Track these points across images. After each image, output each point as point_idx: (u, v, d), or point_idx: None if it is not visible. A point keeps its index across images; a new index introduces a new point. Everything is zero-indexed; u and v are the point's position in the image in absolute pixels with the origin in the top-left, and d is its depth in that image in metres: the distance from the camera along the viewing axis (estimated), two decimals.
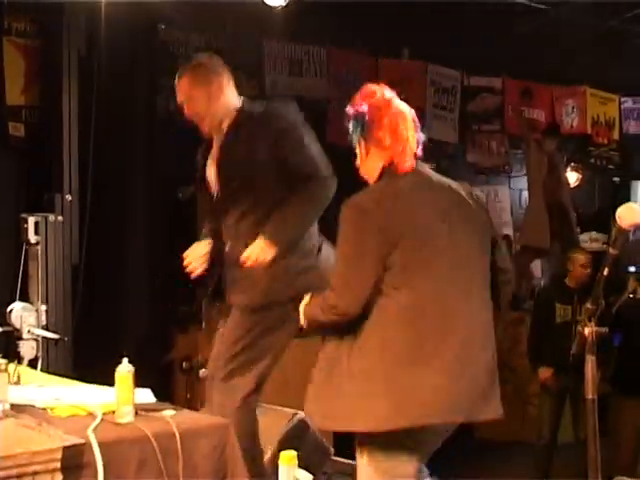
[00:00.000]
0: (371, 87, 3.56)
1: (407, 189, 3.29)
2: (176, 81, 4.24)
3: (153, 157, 7.31)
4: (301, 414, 4.67)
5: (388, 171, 3.35)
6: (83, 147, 6.83)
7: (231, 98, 4.23)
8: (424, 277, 3.12)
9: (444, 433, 3.28)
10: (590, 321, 2.83)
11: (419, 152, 3.41)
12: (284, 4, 6.76)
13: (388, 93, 3.49)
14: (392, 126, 3.35)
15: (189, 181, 7.01)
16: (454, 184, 3.45)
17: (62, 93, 6.74)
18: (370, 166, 3.44)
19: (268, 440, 4.38)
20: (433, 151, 10.17)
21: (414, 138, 3.37)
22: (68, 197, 6.71)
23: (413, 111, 3.44)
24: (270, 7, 6.88)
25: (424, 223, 3.20)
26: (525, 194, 11.21)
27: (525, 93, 10.41)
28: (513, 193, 11.20)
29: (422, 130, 3.49)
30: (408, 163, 3.34)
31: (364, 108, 3.45)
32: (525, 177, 10.38)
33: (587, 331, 2.82)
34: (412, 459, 3.20)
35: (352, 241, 3.21)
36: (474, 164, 10.54)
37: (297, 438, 4.60)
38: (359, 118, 3.46)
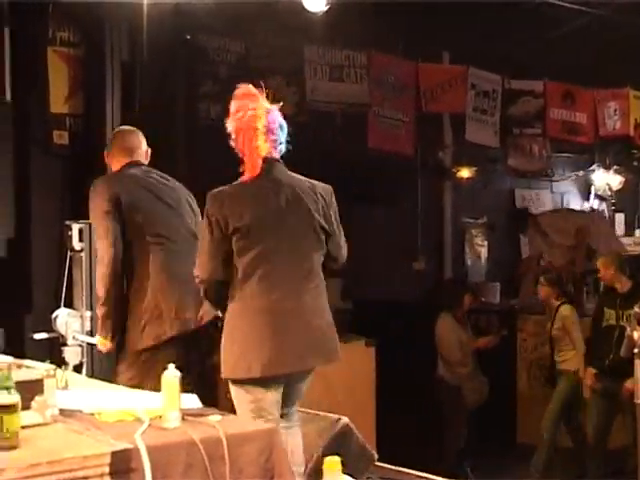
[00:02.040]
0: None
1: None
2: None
3: (194, 163, 7.34)
4: (345, 419, 4.66)
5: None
6: None
7: None
8: (252, 262, 3.78)
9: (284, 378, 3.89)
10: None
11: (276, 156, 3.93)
12: (325, 10, 6.77)
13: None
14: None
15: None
16: (297, 184, 3.95)
17: (105, 101, 6.81)
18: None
19: (312, 446, 4.37)
20: (474, 155, 10.24)
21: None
22: None
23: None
24: (311, 13, 6.88)
25: (254, 216, 3.78)
26: (567, 197, 11.15)
27: (567, 96, 10.34)
28: (555, 197, 11.14)
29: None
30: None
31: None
32: (566, 181, 10.35)
33: (636, 335, 2.80)
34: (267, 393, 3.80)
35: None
36: (515, 168, 10.49)
37: (341, 443, 4.59)
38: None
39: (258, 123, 3.86)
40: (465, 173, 9.99)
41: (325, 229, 3.96)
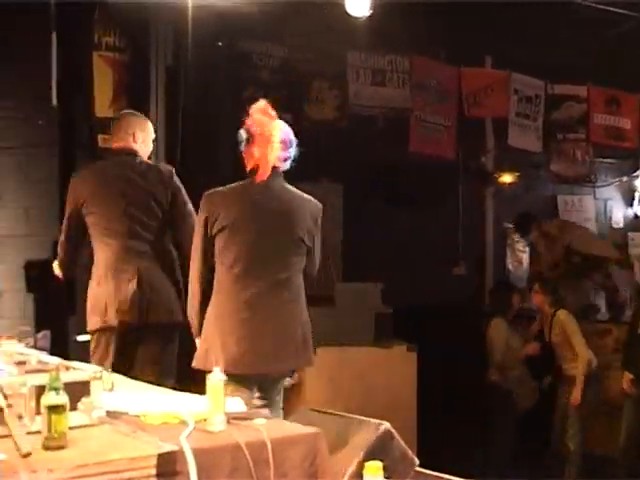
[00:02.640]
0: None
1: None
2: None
3: (238, 166, 7.37)
4: (386, 425, 4.65)
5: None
6: (170, 157, 6.94)
7: None
8: (233, 259, 4.05)
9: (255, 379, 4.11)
10: None
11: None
12: (368, 14, 6.77)
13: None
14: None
15: None
16: (291, 197, 4.17)
17: (149, 105, 6.87)
18: None
19: (353, 450, 4.36)
20: (516, 160, 10.18)
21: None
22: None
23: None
24: (354, 17, 6.89)
25: (240, 215, 4.08)
26: (610, 204, 11.04)
27: (611, 101, 10.25)
28: (598, 203, 11.04)
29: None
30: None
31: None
32: (609, 187, 10.26)
33: None
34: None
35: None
36: (558, 174, 10.41)
37: (382, 448, 4.57)
38: None
39: (274, 138, 4.10)
40: (507, 178, 9.94)
41: (306, 244, 4.18)
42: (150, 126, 5.50)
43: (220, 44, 7.51)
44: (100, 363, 4.60)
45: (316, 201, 4.28)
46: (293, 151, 4.19)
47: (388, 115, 8.73)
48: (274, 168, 4.12)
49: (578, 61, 9.05)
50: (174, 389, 3.98)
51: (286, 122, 7.76)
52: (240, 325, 4.03)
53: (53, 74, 6.99)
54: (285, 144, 4.15)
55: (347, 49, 8.46)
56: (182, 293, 5.00)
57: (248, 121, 4.19)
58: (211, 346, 4.06)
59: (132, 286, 4.95)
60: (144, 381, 3.96)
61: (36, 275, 7.03)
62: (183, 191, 5.26)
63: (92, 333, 5.07)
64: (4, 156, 6.73)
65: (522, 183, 10.08)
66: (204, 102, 7.18)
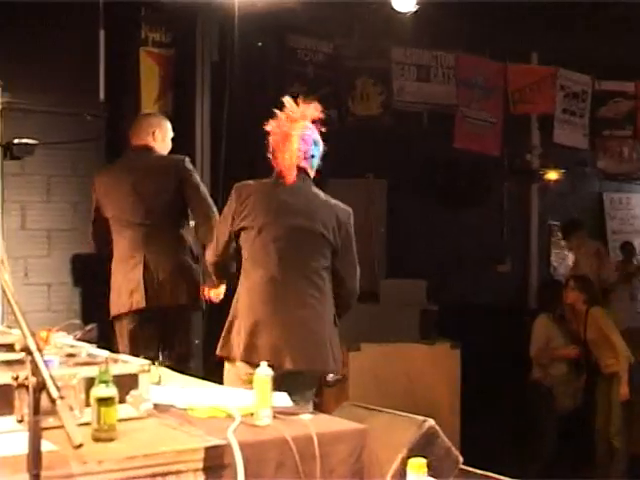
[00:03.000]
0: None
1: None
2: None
3: None
4: (430, 421, 4.64)
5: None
6: (215, 153, 6.98)
7: None
8: (258, 254, 4.12)
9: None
10: None
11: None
12: (413, 10, 6.75)
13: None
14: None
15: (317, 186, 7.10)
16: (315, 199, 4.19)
17: (195, 101, 6.90)
18: None
19: (397, 446, 4.36)
20: (562, 157, 10.08)
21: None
22: None
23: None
24: (399, 13, 6.87)
25: (264, 215, 4.13)
26: None
27: None
28: None
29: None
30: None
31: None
32: None
33: None
34: None
35: None
36: (604, 171, 10.32)
37: (426, 445, 4.57)
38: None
39: (293, 140, 4.12)
40: (552, 175, 9.87)
41: (330, 242, 4.13)
42: (168, 125, 5.66)
43: (260, 44, 7.52)
44: (118, 351, 4.77)
45: (345, 206, 4.25)
46: (318, 149, 4.19)
47: (433, 111, 8.70)
48: (300, 169, 4.15)
49: (626, 57, 8.95)
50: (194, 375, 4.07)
51: (331, 118, 7.77)
52: (260, 317, 4.07)
53: (101, 70, 7.05)
54: (306, 142, 4.15)
55: (392, 45, 8.44)
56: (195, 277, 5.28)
57: (269, 126, 4.24)
58: (233, 336, 4.12)
59: (139, 272, 5.19)
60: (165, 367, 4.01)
61: (83, 269, 7.11)
62: (194, 175, 5.44)
63: (111, 321, 5.36)
64: (52, 151, 6.80)
65: (568, 180, 10.00)
66: (249, 98, 7.21)
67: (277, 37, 7.82)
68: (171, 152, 7.07)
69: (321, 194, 4.24)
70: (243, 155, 7.22)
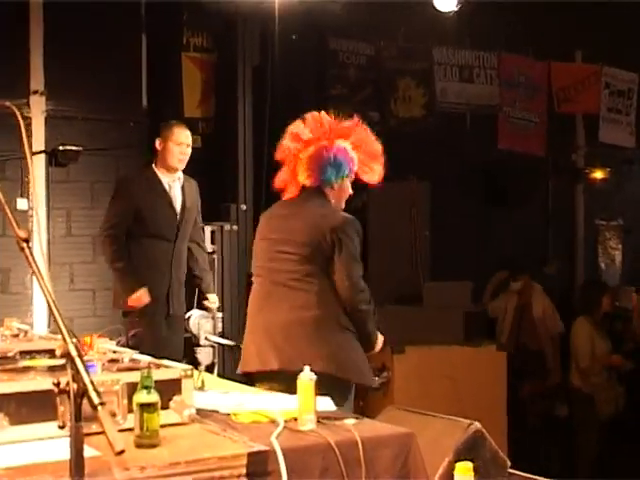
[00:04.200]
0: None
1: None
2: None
3: None
4: (477, 425, 4.59)
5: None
6: (257, 157, 6.98)
7: None
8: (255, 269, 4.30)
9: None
10: None
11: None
12: (455, 10, 6.71)
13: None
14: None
15: (358, 190, 7.07)
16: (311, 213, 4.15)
17: (237, 104, 6.92)
18: None
19: (444, 450, 4.32)
20: (608, 156, 9.95)
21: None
22: (243, 207, 6.85)
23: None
24: (440, 13, 6.83)
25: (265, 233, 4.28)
26: None
27: None
28: None
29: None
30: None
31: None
32: None
33: None
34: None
35: None
36: None
37: (473, 449, 4.51)
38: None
39: (300, 163, 4.19)
40: (598, 174, 9.74)
41: (320, 252, 4.09)
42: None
43: (295, 38, 7.48)
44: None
45: (340, 216, 4.20)
46: (330, 171, 4.16)
47: (476, 112, 8.64)
48: (305, 187, 4.20)
49: None
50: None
51: (373, 120, 7.79)
52: (249, 328, 4.23)
53: (143, 76, 7.10)
54: (314, 165, 4.16)
55: (434, 46, 8.39)
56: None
57: (280, 145, 4.31)
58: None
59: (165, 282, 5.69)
60: None
61: None
62: None
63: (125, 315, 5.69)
64: (96, 157, 6.85)
65: (614, 179, 9.87)
66: (291, 101, 7.19)
67: (318, 40, 7.81)
68: (214, 155, 7.13)
69: (317, 207, 4.19)
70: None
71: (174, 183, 5.86)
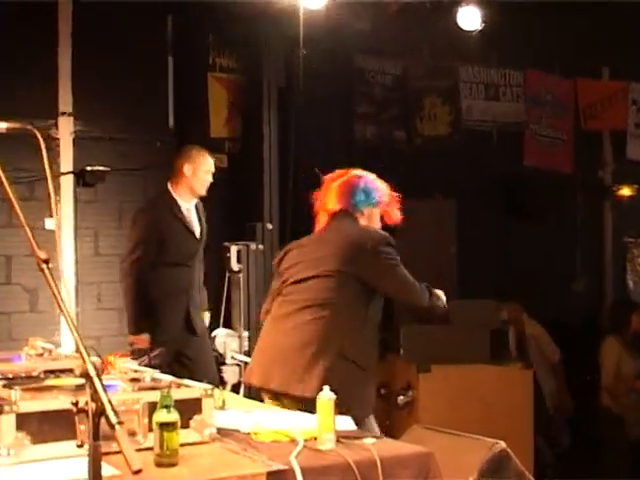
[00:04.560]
0: None
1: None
2: None
3: None
4: (502, 444, 4.56)
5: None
6: (283, 176, 7.02)
7: None
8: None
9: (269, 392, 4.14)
10: None
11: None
12: (480, 28, 6.72)
13: None
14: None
15: None
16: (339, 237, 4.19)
17: (262, 124, 6.96)
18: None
19: (467, 469, 4.30)
20: (636, 173, 9.85)
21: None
22: (269, 226, 6.88)
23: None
24: (465, 31, 6.85)
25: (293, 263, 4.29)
26: None
27: None
28: None
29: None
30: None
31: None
32: None
33: None
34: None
35: None
36: None
37: (497, 469, 4.49)
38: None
39: (334, 184, 4.32)
40: (626, 191, 9.68)
41: (350, 276, 4.09)
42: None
43: (335, 62, 7.52)
44: None
45: (378, 231, 4.26)
46: (361, 195, 4.25)
47: (502, 129, 8.63)
48: (335, 214, 4.27)
49: None
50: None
51: (399, 139, 7.79)
52: (259, 344, 4.32)
53: (170, 96, 7.16)
54: (345, 190, 4.26)
55: (459, 64, 8.40)
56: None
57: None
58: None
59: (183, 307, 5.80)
60: None
61: None
62: None
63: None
64: (123, 177, 6.92)
65: None
66: (317, 120, 7.24)
67: (344, 59, 7.84)
68: (239, 175, 7.18)
69: (352, 227, 4.24)
70: (311, 180, 7.24)
71: (191, 207, 5.91)
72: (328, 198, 4.27)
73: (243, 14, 6.64)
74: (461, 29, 6.89)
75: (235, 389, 6.18)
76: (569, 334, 8.18)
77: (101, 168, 6.67)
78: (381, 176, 4.44)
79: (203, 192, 5.88)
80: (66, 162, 6.76)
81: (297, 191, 6.94)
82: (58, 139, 6.76)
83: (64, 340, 6.45)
